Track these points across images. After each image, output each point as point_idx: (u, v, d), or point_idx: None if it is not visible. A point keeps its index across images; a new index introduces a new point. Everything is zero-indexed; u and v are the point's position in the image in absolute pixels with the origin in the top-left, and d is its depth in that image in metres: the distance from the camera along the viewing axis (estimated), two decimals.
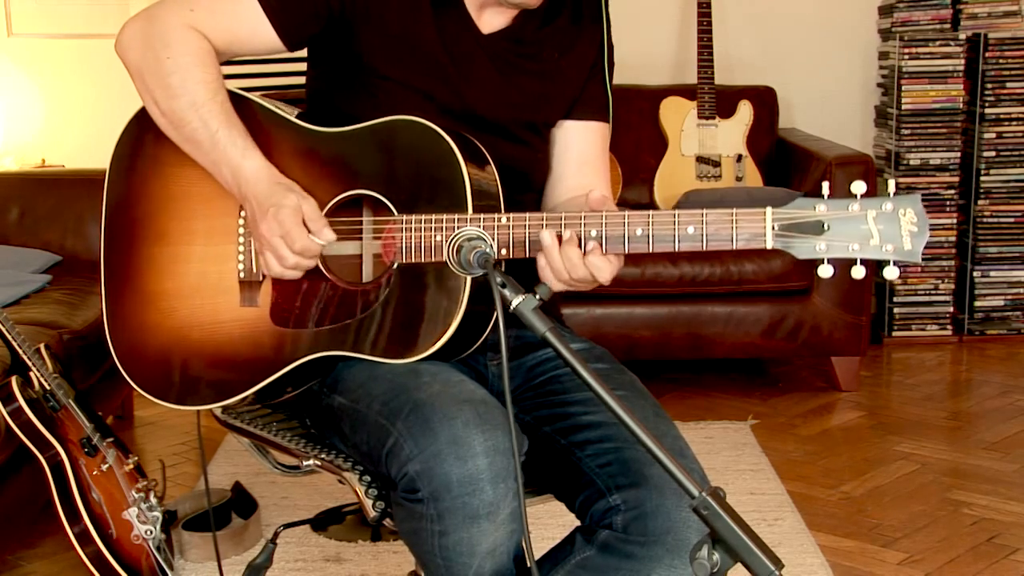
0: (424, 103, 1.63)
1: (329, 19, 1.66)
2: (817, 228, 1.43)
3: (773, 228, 1.44)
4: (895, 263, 1.41)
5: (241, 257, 1.67)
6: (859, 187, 1.41)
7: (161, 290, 1.69)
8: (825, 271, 1.43)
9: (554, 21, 1.75)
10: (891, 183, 1.43)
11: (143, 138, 1.70)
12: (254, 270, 1.66)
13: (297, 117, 1.67)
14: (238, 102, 1.66)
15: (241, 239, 1.66)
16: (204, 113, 1.60)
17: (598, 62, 1.79)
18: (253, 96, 1.69)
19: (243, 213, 1.66)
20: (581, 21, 1.77)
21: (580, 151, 1.79)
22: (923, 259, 4.60)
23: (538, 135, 1.77)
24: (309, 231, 1.56)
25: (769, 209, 1.44)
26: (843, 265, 1.44)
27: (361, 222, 1.65)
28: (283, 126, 1.66)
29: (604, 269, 1.49)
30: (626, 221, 1.49)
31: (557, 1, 1.76)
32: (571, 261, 1.49)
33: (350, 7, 1.65)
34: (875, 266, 1.44)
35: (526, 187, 1.73)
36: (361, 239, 1.65)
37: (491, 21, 1.71)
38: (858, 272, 1.42)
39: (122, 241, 1.71)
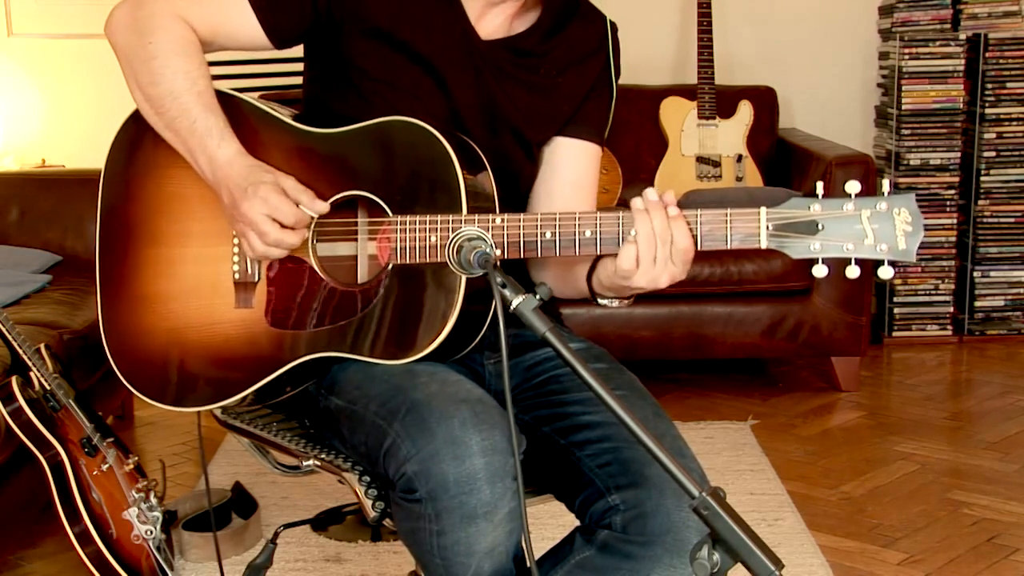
0: (414, 107, 1.62)
1: (316, 19, 1.65)
2: (811, 228, 1.43)
3: (767, 228, 1.44)
4: (889, 263, 1.41)
5: (236, 258, 1.66)
6: (853, 187, 1.41)
7: (156, 292, 1.69)
8: (819, 271, 1.43)
9: (558, 36, 1.74)
10: (885, 182, 1.43)
11: (137, 140, 1.69)
12: (248, 271, 1.65)
13: (293, 119, 1.67)
14: (231, 103, 1.65)
15: (236, 240, 1.66)
16: (183, 102, 1.59)
17: (598, 85, 1.76)
18: (246, 97, 1.69)
19: None
20: (586, 43, 1.75)
21: (573, 171, 1.77)
22: (923, 259, 4.62)
23: (527, 151, 1.74)
24: (297, 204, 1.55)
25: (763, 209, 1.44)
26: (838, 264, 1.44)
27: (356, 223, 1.65)
28: (276, 126, 1.66)
29: (686, 233, 1.45)
30: (620, 221, 1.49)
31: (563, 18, 1.75)
32: (661, 223, 1.46)
33: (338, 9, 1.64)
34: (871, 265, 1.44)
35: (511, 201, 1.70)
36: (356, 240, 1.65)
37: (490, 27, 1.70)
38: (852, 272, 1.42)
39: (117, 243, 1.71)
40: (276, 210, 1.54)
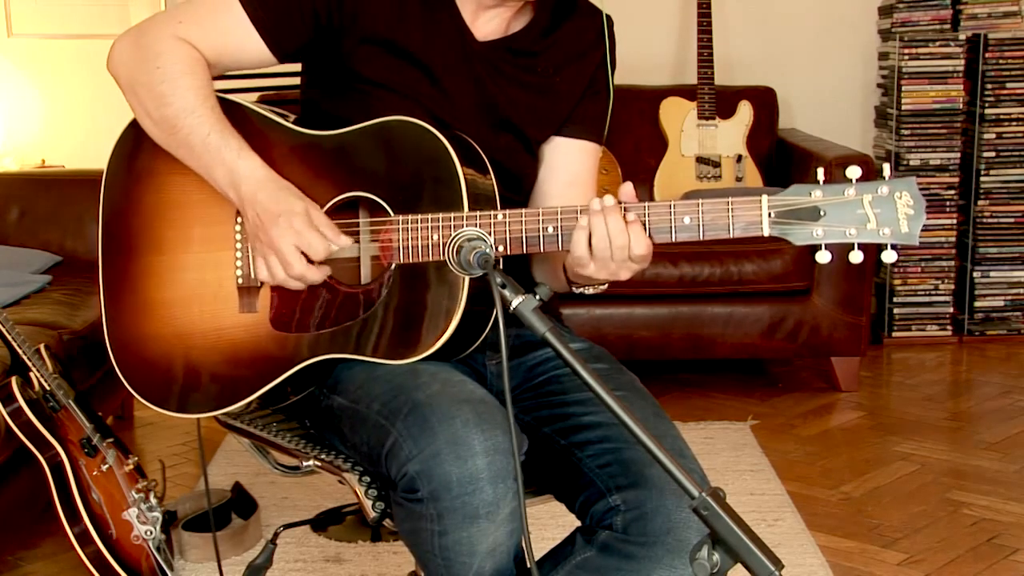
0: (414, 110, 1.62)
1: (317, 28, 1.65)
2: (814, 214, 1.43)
3: (769, 215, 1.44)
4: (892, 247, 1.41)
5: (239, 263, 1.66)
6: (854, 172, 1.41)
7: (160, 299, 1.69)
8: (823, 257, 1.42)
9: (555, 34, 1.74)
10: (886, 167, 1.43)
11: (137, 147, 1.69)
12: (252, 276, 1.65)
13: (293, 123, 1.67)
14: (230, 108, 1.65)
15: (238, 245, 1.66)
16: (195, 118, 1.59)
17: (596, 82, 1.76)
18: (245, 102, 1.69)
19: (239, 219, 1.65)
20: (583, 38, 1.75)
21: (570, 171, 1.77)
22: (923, 259, 4.61)
23: (527, 149, 1.74)
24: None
25: (765, 197, 1.44)
26: (841, 250, 1.44)
27: (358, 224, 1.64)
28: (276, 130, 1.66)
29: (642, 240, 1.47)
30: (622, 212, 1.49)
31: (560, 14, 1.75)
32: (616, 226, 1.47)
33: (337, 15, 1.64)
34: (875, 251, 1.43)
35: (514, 202, 1.69)
36: (358, 241, 1.65)
37: (487, 28, 1.70)
38: (856, 257, 1.42)
39: (119, 251, 1.71)
40: (308, 246, 1.55)
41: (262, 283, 1.65)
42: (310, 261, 1.56)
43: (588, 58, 1.76)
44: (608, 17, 1.77)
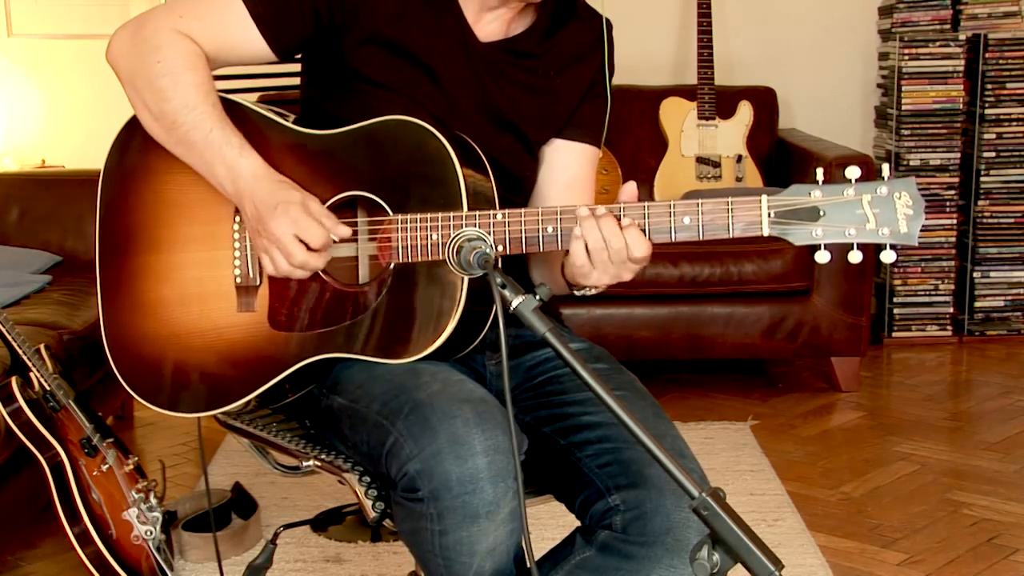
0: (415, 110, 1.62)
1: (318, 26, 1.65)
2: (813, 214, 1.43)
3: (769, 215, 1.44)
4: (892, 247, 1.41)
5: (237, 262, 1.66)
6: (853, 172, 1.41)
7: (157, 298, 1.68)
8: (822, 257, 1.43)
9: (555, 37, 1.74)
10: (885, 167, 1.43)
11: (134, 146, 1.69)
12: (250, 275, 1.65)
13: (293, 123, 1.67)
14: (230, 107, 1.65)
15: (236, 244, 1.66)
16: (197, 114, 1.59)
17: (596, 86, 1.77)
18: (244, 101, 1.69)
19: (238, 217, 1.65)
20: (582, 42, 1.76)
21: (569, 173, 1.78)
22: (923, 260, 4.61)
23: (528, 150, 1.75)
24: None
25: (764, 196, 1.45)
26: (840, 250, 1.44)
27: (356, 223, 1.64)
28: (275, 129, 1.66)
29: (641, 243, 1.48)
30: (621, 212, 1.49)
31: (561, 17, 1.75)
32: (610, 230, 1.47)
33: (339, 14, 1.64)
34: (873, 251, 1.44)
35: (513, 203, 1.70)
36: (356, 240, 1.64)
37: (488, 29, 1.70)
38: (855, 257, 1.42)
39: (117, 250, 1.71)
40: (305, 231, 1.54)
41: (260, 282, 1.65)
42: (311, 250, 1.56)
43: (587, 62, 1.76)
44: (607, 21, 1.78)
